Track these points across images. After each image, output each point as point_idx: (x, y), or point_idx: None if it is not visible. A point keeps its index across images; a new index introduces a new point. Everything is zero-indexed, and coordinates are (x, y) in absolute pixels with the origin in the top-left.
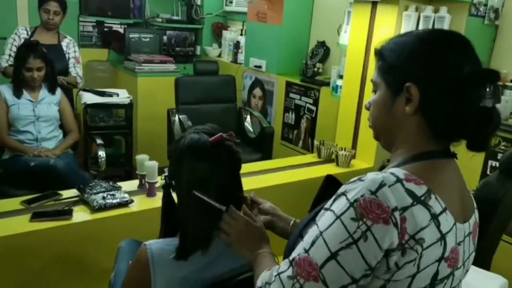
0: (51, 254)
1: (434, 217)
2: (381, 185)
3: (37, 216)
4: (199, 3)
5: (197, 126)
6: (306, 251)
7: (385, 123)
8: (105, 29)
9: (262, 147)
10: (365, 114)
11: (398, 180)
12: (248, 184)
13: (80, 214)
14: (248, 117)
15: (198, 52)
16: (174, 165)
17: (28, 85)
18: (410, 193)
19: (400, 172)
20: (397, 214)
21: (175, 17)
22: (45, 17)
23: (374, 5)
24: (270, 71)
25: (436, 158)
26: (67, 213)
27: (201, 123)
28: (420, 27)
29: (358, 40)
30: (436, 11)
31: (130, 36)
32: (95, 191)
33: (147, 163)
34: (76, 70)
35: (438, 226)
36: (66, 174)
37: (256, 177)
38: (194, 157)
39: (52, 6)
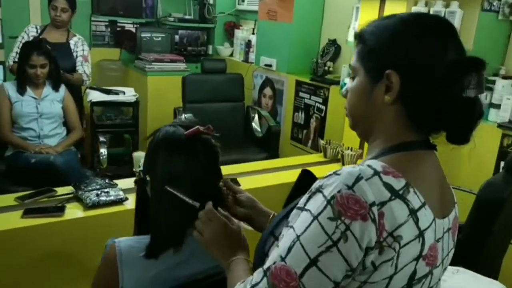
0: (42, 250)
1: (413, 213)
2: (358, 178)
3: (28, 213)
4: (211, 2)
5: (176, 119)
6: (283, 258)
7: (363, 111)
8: (118, 29)
9: (269, 146)
10: None
11: (376, 173)
12: (251, 183)
13: (73, 211)
14: (256, 116)
15: (210, 51)
16: (148, 159)
17: (31, 82)
18: (388, 186)
19: (378, 164)
20: (375, 209)
21: (187, 16)
22: (52, 14)
23: (382, 0)
24: (280, 69)
25: (415, 149)
26: (59, 210)
27: (207, 122)
28: None
29: None
30: (447, 6)
31: (142, 35)
32: (90, 188)
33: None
34: (83, 68)
35: (416, 222)
36: (65, 171)
37: (259, 175)
38: (168, 150)
39: (60, 3)
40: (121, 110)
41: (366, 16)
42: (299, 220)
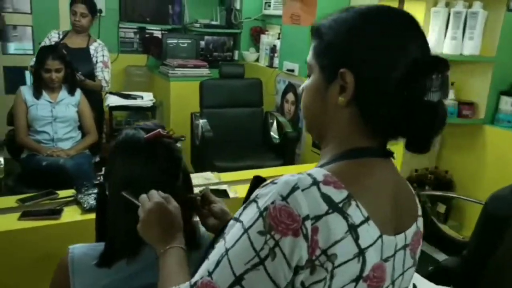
0: (38, 252)
1: (352, 228)
2: (294, 188)
3: (25, 215)
4: (238, 7)
5: (139, 122)
6: (210, 274)
7: (316, 113)
8: (146, 36)
9: (285, 153)
10: None
11: (315, 182)
12: None
13: (70, 214)
14: (274, 122)
15: (236, 56)
16: (108, 162)
17: (47, 86)
18: (327, 198)
19: (320, 173)
20: (308, 224)
21: (213, 22)
22: (72, 19)
23: (401, 1)
24: (302, 74)
25: (368, 156)
26: (56, 213)
27: (224, 127)
28: (451, 24)
29: None
30: (469, 6)
31: (168, 41)
32: (90, 191)
33: None
34: (103, 74)
35: (356, 239)
36: (75, 175)
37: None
38: (125, 153)
39: (79, 8)
40: (145, 115)
41: None
42: (231, 232)
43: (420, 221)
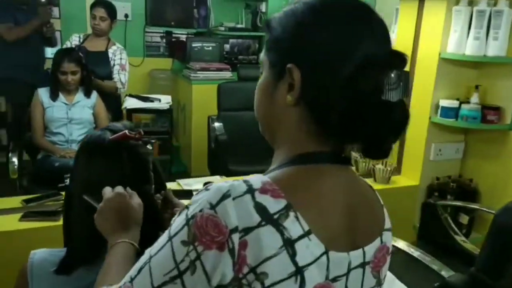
0: None
1: (288, 244)
2: (225, 196)
3: (26, 216)
4: (264, 10)
5: (111, 123)
6: (131, 280)
7: (266, 114)
8: (173, 39)
9: None
10: (412, 124)
11: (250, 190)
12: None
13: None
14: None
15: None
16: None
17: (64, 89)
18: (260, 208)
19: (259, 180)
20: (236, 237)
21: (239, 25)
22: (92, 23)
23: (421, 0)
24: None
25: (319, 162)
26: (56, 214)
27: (241, 130)
28: (473, 23)
29: (404, 40)
30: (494, 4)
31: (192, 45)
32: None
33: None
34: (119, 77)
35: (292, 256)
36: None
37: None
38: (88, 155)
39: (99, 12)
40: (168, 117)
41: (405, 18)
42: (159, 239)
43: (388, 235)
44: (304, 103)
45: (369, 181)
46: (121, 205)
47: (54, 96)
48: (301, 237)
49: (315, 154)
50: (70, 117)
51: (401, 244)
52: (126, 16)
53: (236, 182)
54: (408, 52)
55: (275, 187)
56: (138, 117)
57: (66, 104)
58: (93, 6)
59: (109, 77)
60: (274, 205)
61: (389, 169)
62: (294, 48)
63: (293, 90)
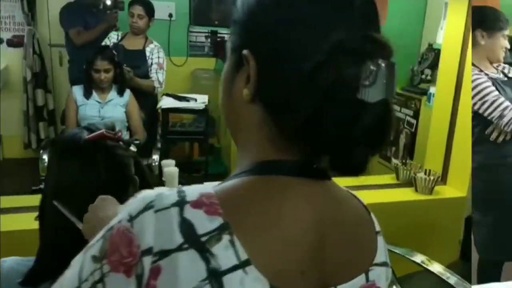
0: None
1: (213, 275)
2: (146, 207)
3: None
4: None
5: (91, 122)
6: None
7: (226, 110)
8: (218, 39)
9: None
10: (459, 128)
11: (180, 202)
12: None
13: None
14: None
15: None
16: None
17: (97, 87)
18: (186, 227)
19: (198, 190)
20: (147, 260)
21: None
22: (130, 21)
23: None
24: None
25: (281, 174)
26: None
27: None
28: None
29: (453, 37)
30: None
31: None
32: None
33: (166, 169)
34: (157, 76)
35: None
36: None
37: None
38: (60, 156)
39: (136, 9)
40: (204, 117)
41: (454, 12)
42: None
43: (378, 271)
44: (260, 100)
45: (409, 191)
46: (107, 211)
47: (87, 94)
48: (233, 269)
49: (275, 163)
50: (102, 115)
51: (436, 267)
52: (170, 15)
53: (166, 191)
54: (456, 52)
55: (214, 201)
56: (175, 117)
57: (99, 102)
58: (130, 4)
59: (146, 75)
60: (205, 224)
61: (432, 178)
62: (250, 30)
63: (249, 82)
